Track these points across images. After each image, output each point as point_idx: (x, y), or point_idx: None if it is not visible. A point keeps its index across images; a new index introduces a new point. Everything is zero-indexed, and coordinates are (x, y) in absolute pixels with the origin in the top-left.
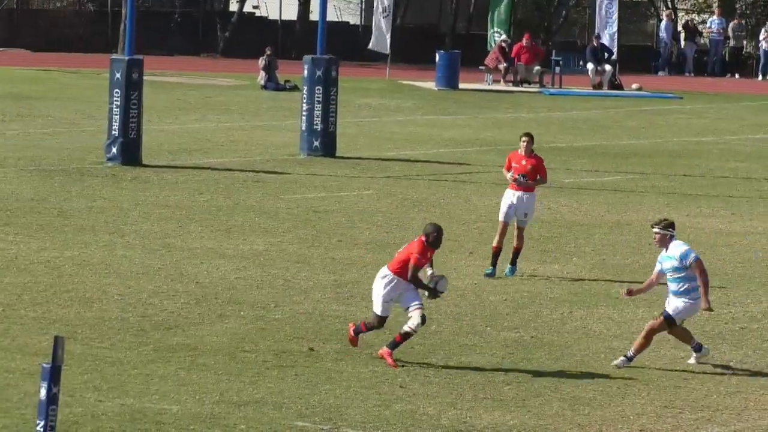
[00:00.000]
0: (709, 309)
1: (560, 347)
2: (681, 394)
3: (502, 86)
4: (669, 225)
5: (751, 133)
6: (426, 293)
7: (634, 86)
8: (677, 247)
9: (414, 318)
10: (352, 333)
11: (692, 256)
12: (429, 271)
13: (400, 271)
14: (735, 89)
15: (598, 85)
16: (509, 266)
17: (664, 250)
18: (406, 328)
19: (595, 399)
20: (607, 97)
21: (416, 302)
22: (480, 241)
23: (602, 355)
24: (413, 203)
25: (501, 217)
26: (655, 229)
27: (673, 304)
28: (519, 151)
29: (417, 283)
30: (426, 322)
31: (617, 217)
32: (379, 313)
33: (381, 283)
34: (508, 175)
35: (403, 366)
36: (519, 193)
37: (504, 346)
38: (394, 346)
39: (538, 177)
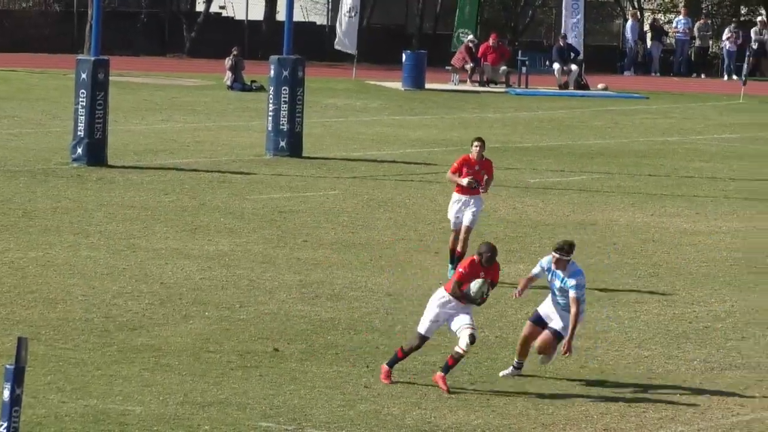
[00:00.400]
0: (569, 352)
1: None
2: (645, 393)
3: (468, 86)
4: (570, 251)
5: (716, 132)
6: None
7: (600, 86)
8: (575, 276)
9: (462, 338)
10: (386, 368)
11: (575, 293)
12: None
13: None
14: (701, 89)
15: (564, 85)
16: (451, 268)
17: (562, 271)
18: (457, 350)
19: (559, 398)
20: (573, 97)
21: (467, 323)
22: (446, 241)
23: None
24: (379, 203)
25: (451, 222)
26: (556, 255)
27: (564, 321)
28: (471, 155)
29: (456, 295)
30: (475, 341)
31: (582, 217)
32: (422, 332)
33: (435, 304)
34: (464, 181)
35: (367, 367)
36: (465, 197)
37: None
38: (447, 369)
39: (486, 178)
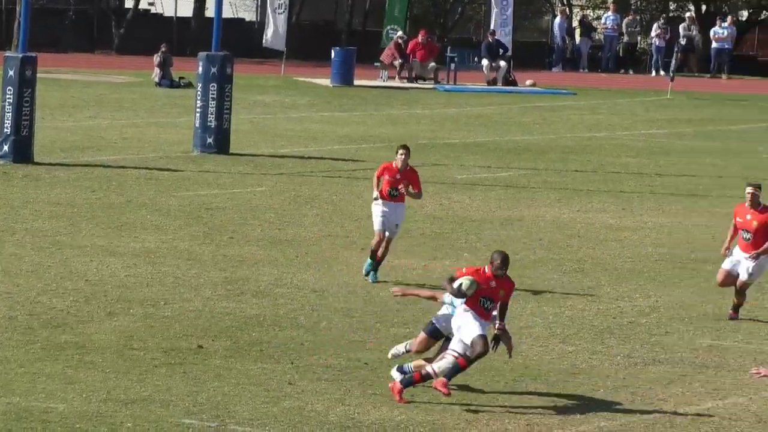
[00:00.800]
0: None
1: None
2: (568, 388)
3: (397, 83)
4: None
5: (643, 128)
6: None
7: (528, 82)
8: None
9: (444, 361)
10: (400, 387)
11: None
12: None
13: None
14: (628, 85)
15: (493, 82)
16: (372, 273)
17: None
18: (434, 366)
19: (483, 394)
20: (502, 94)
21: (456, 351)
22: (372, 238)
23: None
24: (306, 200)
25: (377, 227)
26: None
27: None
28: (395, 163)
29: (446, 283)
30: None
31: (509, 213)
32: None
33: (461, 313)
34: (375, 195)
35: (292, 363)
36: (391, 203)
37: (394, 342)
38: (408, 383)
39: (411, 189)
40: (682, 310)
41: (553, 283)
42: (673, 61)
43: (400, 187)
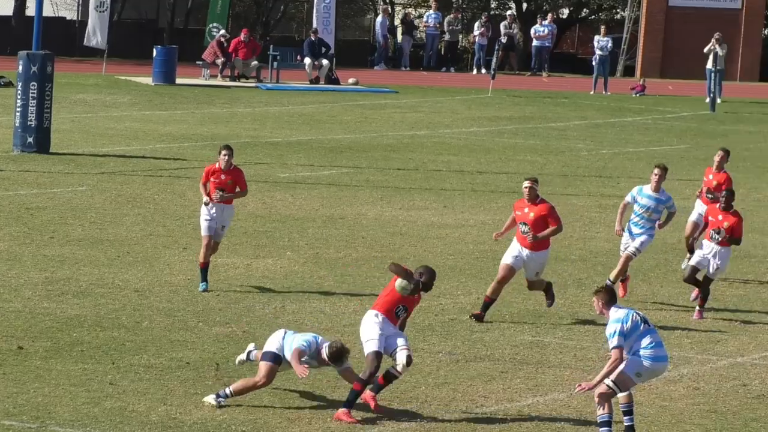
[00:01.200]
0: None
1: None
2: (390, 386)
3: (219, 81)
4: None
5: (464, 126)
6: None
7: (350, 81)
8: None
9: (399, 359)
10: (371, 400)
11: None
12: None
13: (386, 310)
14: (450, 83)
15: (315, 80)
16: (202, 283)
17: None
18: (391, 371)
19: (305, 394)
20: (324, 92)
21: (403, 345)
22: (194, 237)
23: None
24: (127, 199)
25: (204, 232)
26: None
27: None
28: (218, 164)
29: (396, 268)
30: (411, 363)
31: (331, 211)
32: (377, 349)
33: (372, 322)
34: (205, 199)
35: (113, 364)
36: (218, 206)
37: (216, 341)
38: (378, 389)
39: (238, 189)
40: (503, 307)
41: (375, 281)
42: (494, 59)
43: (227, 187)
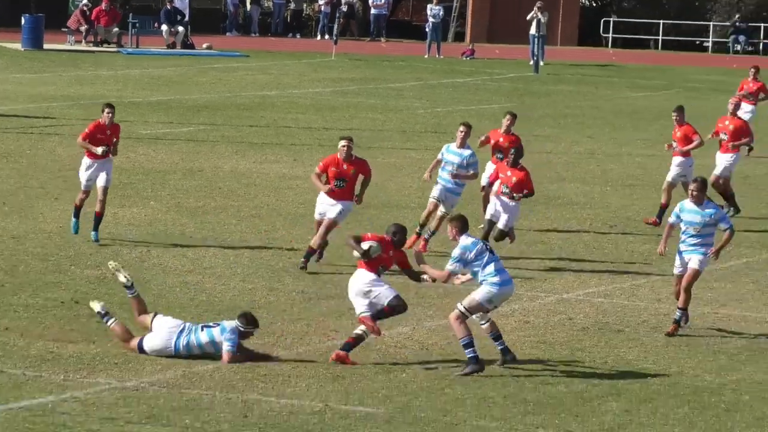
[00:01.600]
0: None
1: (140, 282)
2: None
3: (83, 47)
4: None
5: (311, 87)
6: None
7: (204, 46)
8: None
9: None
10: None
11: None
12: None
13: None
14: (296, 48)
15: (172, 45)
16: (93, 232)
17: None
18: (358, 331)
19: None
20: (181, 56)
21: (366, 312)
22: (65, 188)
23: (177, 288)
24: (2, 154)
25: (83, 186)
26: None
27: None
28: (101, 120)
29: (353, 243)
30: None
31: (190, 165)
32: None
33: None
34: (99, 150)
35: None
36: (98, 162)
37: (87, 282)
38: (349, 347)
39: (115, 141)
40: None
41: (232, 228)
42: (336, 26)
43: (110, 143)
